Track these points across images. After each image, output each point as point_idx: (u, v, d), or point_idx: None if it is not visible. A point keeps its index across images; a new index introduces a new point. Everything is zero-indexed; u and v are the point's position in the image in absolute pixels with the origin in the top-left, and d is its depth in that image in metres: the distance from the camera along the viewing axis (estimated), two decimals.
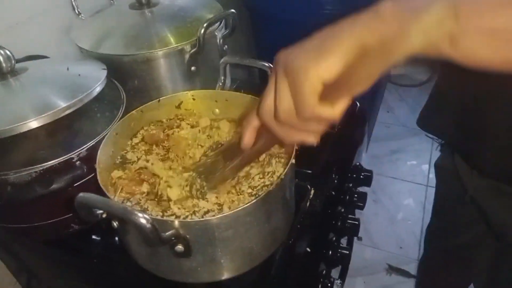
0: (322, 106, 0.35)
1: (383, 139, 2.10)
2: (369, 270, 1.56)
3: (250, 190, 0.54)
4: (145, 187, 0.55)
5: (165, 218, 0.48)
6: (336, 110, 0.36)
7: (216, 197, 0.53)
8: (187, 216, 0.50)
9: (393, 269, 1.55)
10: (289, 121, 0.37)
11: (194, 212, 0.51)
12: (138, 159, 0.59)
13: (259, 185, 0.54)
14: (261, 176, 0.56)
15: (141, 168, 0.58)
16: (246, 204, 0.47)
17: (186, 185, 0.56)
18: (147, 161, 0.60)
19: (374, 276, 1.55)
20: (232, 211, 0.47)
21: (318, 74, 0.33)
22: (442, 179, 0.88)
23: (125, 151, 0.61)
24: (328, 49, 0.33)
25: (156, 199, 0.54)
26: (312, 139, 0.41)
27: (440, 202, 0.92)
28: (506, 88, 0.55)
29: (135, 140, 0.62)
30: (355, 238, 1.55)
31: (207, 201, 0.53)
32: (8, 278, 0.84)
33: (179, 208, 0.52)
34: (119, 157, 0.60)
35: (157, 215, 0.51)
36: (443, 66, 0.71)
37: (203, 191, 0.55)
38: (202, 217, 0.50)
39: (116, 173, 0.57)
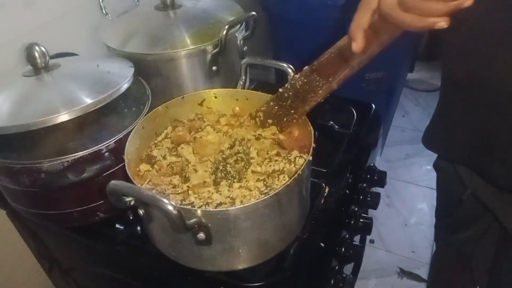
0: None
1: (398, 143, 2.10)
2: (381, 273, 1.57)
3: (263, 188, 0.56)
4: (176, 180, 0.58)
5: (189, 207, 0.51)
6: None
7: (228, 191, 0.55)
8: (200, 206, 0.53)
9: (404, 273, 1.56)
10: (415, 4, 0.37)
11: (207, 204, 0.54)
12: (164, 156, 0.62)
13: (271, 184, 0.57)
14: (274, 174, 0.58)
15: (172, 163, 0.62)
16: (265, 197, 0.50)
17: (211, 172, 0.59)
18: (177, 149, 0.63)
19: (385, 279, 1.56)
20: (252, 203, 0.49)
21: None
22: (441, 178, 0.89)
23: (150, 149, 0.64)
24: None
25: (180, 189, 0.57)
26: (442, 22, 0.39)
27: (441, 200, 0.93)
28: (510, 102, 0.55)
29: (159, 138, 0.66)
30: (368, 241, 1.56)
31: (220, 194, 0.55)
32: (32, 262, 0.89)
33: (196, 198, 0.55)
34: (144, 154, 0.63)
35: (176, 203, 0.53)
36: (445, 81, 0.72)
37: (228, 176, 0.58)
38: (216, 208, 0.53)
39: (144, 166, 0.60)
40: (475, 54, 0.57)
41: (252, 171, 0.58)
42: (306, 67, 0.57)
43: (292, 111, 0.62)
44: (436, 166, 0.88)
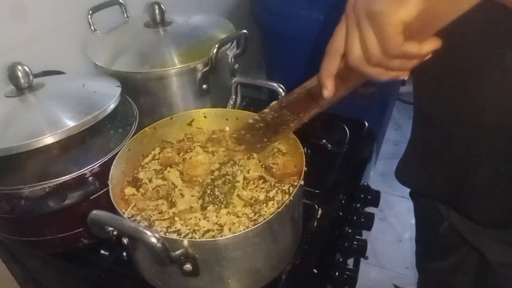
0: (409, 44, 0.37)
1: (391, 156, 2.09)
2: None
3: (252, 214, 0.54)
4: (162, 205, 0.56)
5: (174, 237, 0.49)
6: (423, 48, 0.37)
7: (216, 216, 0.54)
8: (186, 235, 0.51)
9: None
10: (381, 61, 0.39)
11: (194, 231, 0.51)
12: (150, 179, 0.60)
13: (259, 210, 0.55)
14: (264, 201, 0.56)
15: (158, 186, 0.59)
16: (255, 225, 0.48)
17: (199, 196, 0.57)
18: (163, 172, 0.61)
19: None
20: (241, 232, 0.47)
21: (399, 17, 0.35)
22: (418, 208, 0.87)
23: (137, 171, 0.62)
24: None
25: (166, 215, 0.55)
26: (404, 75, 0.42)
27: (419, 229, 0.91)
28: (488, 135, 0.54)
29: (146, 160, 0.63)
30: (362, 258, 1.53)
31: (208, 220, 0.53)
32: (14, 286, 0.85)
33: (182, 225, 0.53)
34: (130, 176, 0.61)
35: (161, 230, 0.52)
36: (419, 113, 0.70)
37: (216, 200, 0.56)
38: (203, 236, 0.51)
39: (130, 190, 0.58)
40: (450, 87, 0.56)
41: (238, 196, 0.56)
42: (275, 102, 0.57)
43: (265, 139, 0.62)
44: (412, 195, 0.86)
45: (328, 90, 0.46)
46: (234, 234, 0.47)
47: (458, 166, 0.61)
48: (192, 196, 0.58)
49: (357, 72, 0.42)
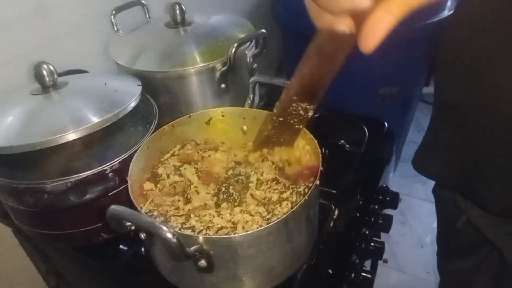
0: None
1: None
2: None
3: (265, 213, 0.55)
4: (177, 199, 0.57)
5: (190, 233, 0.50)
6: None
7: (230, 214, 0.54)
8: (201, 231, 0.52)
9: None
10: None
11: (208, 228, 0.52)
12: (168, 175, 0.61)
13: (273, 209, 0.55)
14: (277, 202, 0.57)
15: (175, 182, 0.61)
16: (270, 223, 0.48)
17: (213, 194, 0.58)
18: (180, 170, 0.62)
19: None
20: (255, 230, 0.48)
21: None
22: (440, 205, 0.87)
23: (156, 167, 0.63)
24: None
25: (182, 211, 0.56)
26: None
27: (441, 226, 0.90)
28: (504, 123, 0.53)
29: (166, 156, 0.65)
30: (380, 260, 1.52)
31: (222, 217, 0.54)
32: (39, 281, 0.88)
33: (196, 221, 0.54)
34: (149, 172, 0.62)
35: (176, 226, 0.53)
36: (437, 101, 0.70)
37: (230, 198, 0.57)
38: (216, 233, 0.51)
39: (148, 185, 0.59)
40: (468, 74, 0.56)
41: (251, 195, 0.56)
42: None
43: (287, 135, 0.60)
44: (434, 191, 0.85)
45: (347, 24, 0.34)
46: (248, 232, 0.48)
47: (472, 154, 0.60)
48: (207, 193, 0.59)
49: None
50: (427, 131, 0.75)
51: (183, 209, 0.56)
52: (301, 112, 0.52)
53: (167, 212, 0.55)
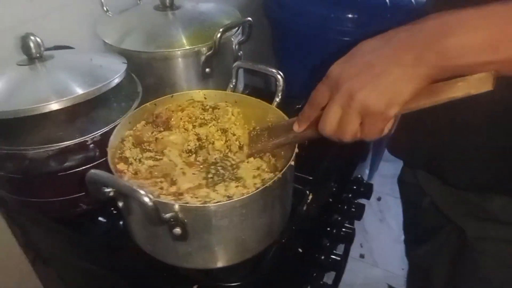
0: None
1: (395, 159, 2.09)
2: None
3: (260, 185, 0.57)
4: (159, 181, 0.59)
5: (166, 200, 0.52)
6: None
7: (225, 190, 0.56)
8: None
9: None
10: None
11: (205, 202, 0.54)
12: (139, 160, 0.61)
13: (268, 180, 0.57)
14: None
15: (150, 167, 0.61)
16: (242, 196, 0.50)
17: (203, 177, 0.60)
18: (163, 152, 0.63)
19: None
20: (229, 201, 0.50)
21: (390, 116, 0.42)
22: (405, 192, 0.91)
23: (122, 150, 0.62)
24: (401, 93, 0.40)
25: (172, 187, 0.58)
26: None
27: (406, 214, 0.95)
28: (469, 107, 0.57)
29: (126, 133, 0.64)
30: (358, 255, 1.56)
31: (217, 192, 0.56)
32: (17, 251, 0.89)
33: (191, 197, 0.55)
34: (119, 152, 0.61)
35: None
36: None
37: (216, 179, 0.59)
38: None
39: (122, 166, 0.59)
40: None
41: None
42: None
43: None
44: (399, 179, 0.90)
45: (298, 127, 0.53)
46: (222, 202, 0.50)
47: (442, 134, 0.65)
48: (194, 174, 0.60)
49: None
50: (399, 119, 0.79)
51: (168, 190, 0.57)
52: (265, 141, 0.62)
53: (153, 192, 0.56)
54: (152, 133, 0.65)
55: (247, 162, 0.63)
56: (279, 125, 0.61)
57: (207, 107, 0.69)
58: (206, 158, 0.65)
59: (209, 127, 0.67)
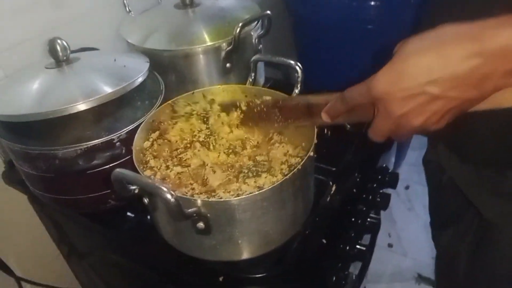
0: None
1: (423, 146, 2.05)
2: (398, 277, 1.55)
3: (286, 171, 0.60)
4: (189, 182, 0.61)
5: (188, 196, 0.53)
6: None
7: (255, 182, 0.58)
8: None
9: (422, 279, 1.53)
10: None
11: (238, 195, 0.55)
12: (167, 167, 0.63)
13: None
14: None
15: (179, 173, 0.63)
16: (262, 189, 0.51)
17: (231, 169, 0.62)
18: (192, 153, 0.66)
19: (402, 283, 1.53)
20: (250, 195, 0.51)
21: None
22: (428, 171, 0.91)
23: (146, 159, 0.63)
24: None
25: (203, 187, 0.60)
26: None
27: (430, 194, 0.95)
28: None
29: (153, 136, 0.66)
30: (387, 245, 1.54)
31: (248, 185, 0.57)
32: (52, 247, 0.93)
33: (223, 192, 0.57)
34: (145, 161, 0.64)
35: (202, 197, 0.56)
36: None
37: (246, 173, 0.61)
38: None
39: (148, 172, 0.61)
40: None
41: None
42: (269, 98, 0.63)
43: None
44: (423, 159, 0.90)
45: (328, 119, 0.52)
46: (242, 197, 0.51)
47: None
48: (223, 172, 0.62)
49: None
50: None
51: (200, 189, 0.59)
52: (276, 119, 0.60)
53: (186, 193, 0.58)
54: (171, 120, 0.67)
55: (275, 148, 0.64)
56: (293, 105, 0.59)
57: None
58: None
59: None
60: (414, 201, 1.81)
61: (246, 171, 0.63)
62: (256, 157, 0.65)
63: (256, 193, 0.51)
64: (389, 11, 1.30)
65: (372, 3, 1.29)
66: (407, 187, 1.89)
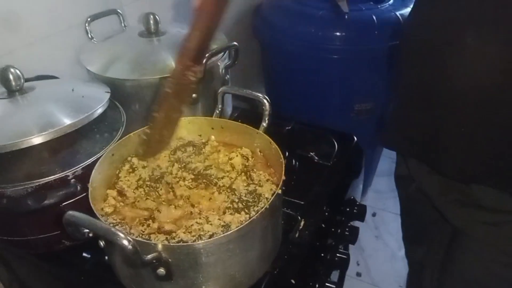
0: None
1: (389, 174, 2.08)
2: None
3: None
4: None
5: (147, 240, 0.50)
6: None
7: (219, 219, 0.54)
8: (162, 240, 0.51)
9: None
10: None
11: (200, 236, 0.51)
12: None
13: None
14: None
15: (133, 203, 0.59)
16: (229, 231, 0.48)
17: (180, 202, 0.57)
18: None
19: None
20: (214, 238, 0.48)
21: None
22: (400, 186, 0.95)
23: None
24: None
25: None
26: None
27: (401, 210, 0.99)
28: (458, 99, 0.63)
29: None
30: (355, 274, 1.53)
31: (211, 224, 0.53)
32: None
33: (184, 233, 0.52)
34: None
35: (162, 241, 0.51)
36: (399, 84, 0.79)
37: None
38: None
39: (111, 192, 0.58)
40: (426, 58, 0.67)
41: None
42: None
43: None
44: (395, 176, 0.94)
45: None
46: (207, 240, 0.48)
47: (432, 127, 0.69)
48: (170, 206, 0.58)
49: None
50: (390, 111, 0.84)
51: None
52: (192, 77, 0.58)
53: (143, 231, 0.54)
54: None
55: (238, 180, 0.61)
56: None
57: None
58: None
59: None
60: (382, 228, 1.82)
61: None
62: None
63: (221, 236, 0.48)
64: (353, 42, 1.33)
65: (338, 33, 1.32)
66: (373, 214, 1.90)
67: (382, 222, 1.85)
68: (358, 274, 1.62)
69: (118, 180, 0.61)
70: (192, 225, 0.53)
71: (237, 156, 0.64)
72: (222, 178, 0.62)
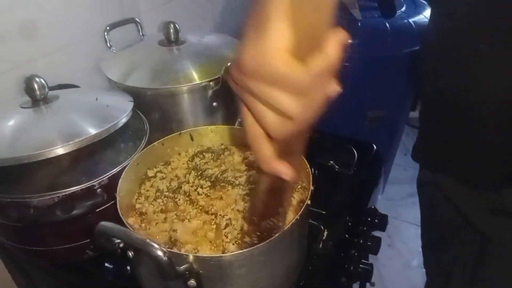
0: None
1: (400, 181, 2.07)
2: None
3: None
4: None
5: (180, 252, 0.49)
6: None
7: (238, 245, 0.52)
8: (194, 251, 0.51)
9: None
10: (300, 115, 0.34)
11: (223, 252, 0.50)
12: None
13: None
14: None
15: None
16: (261, 243, 0.47)
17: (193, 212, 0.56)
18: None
19: None
20: (247, 250, 0.47)
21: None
22: (422, 193, 0.92)
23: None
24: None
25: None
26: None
27: (423, 215, 0.95)
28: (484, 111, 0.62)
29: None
30: (368, 283, 1.51)
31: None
32: None
33: (211, 249, 0.52)
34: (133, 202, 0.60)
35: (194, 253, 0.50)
36: (422, 99, 0.79)
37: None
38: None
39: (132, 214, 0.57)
40: (445, 74, 0.66)
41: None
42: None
43: None
44: (417, 182, 0.91)
45: (287, 172, 0.37)
46: (239, 252, 0.47)
47: (459, 141, 0.69)
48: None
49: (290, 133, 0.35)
50: (418, 127, 0.84)
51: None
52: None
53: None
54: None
55: None
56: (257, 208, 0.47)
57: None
58: None
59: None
60: (394, 237, 1.81)
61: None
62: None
63: (253, 248, 0.47)
64: (366, 49, 1.33)
65: (350, 41, 1.31)
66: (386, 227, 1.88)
67: (395, 231, 1.83)
68: (372, 284, 1.60)
69: (139, 195, 0.61)
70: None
71: (251, 154, 0.64)
72: (240, 177, 0.61)
